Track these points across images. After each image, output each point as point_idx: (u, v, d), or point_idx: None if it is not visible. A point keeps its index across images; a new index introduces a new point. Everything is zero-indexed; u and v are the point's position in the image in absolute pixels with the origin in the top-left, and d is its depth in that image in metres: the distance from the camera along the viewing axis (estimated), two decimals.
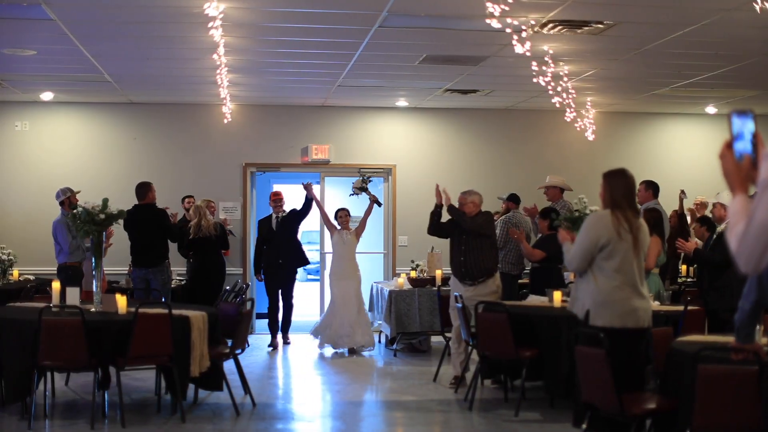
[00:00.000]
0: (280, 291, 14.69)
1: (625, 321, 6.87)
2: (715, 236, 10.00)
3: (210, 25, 9.26)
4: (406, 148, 16.66)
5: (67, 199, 13.23)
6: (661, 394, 6.81)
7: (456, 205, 10.93)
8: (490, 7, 8.10)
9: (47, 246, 14.14)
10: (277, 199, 14.71)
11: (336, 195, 16.78)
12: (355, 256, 14.24)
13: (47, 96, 15.28)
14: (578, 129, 15.24)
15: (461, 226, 10.73)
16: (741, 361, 5.61)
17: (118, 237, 12.90)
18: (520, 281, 13.26)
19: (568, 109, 13.59)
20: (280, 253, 14.52)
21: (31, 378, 8.87)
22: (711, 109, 16.67)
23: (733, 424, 5.81)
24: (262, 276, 14.71)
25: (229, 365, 9.97)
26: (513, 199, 13.96)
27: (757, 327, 5.53)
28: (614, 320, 6.86)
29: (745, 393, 5.69)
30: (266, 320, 14.68)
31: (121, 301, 9.31)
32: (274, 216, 14.68)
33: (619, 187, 7.08)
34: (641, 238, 7.03)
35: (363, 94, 15.21)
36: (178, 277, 14.10)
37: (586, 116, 15.10)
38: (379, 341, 14.68)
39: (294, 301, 14.91)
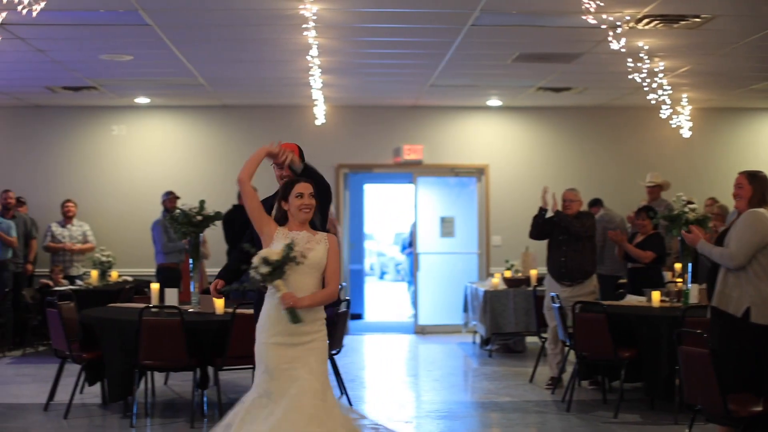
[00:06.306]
0: None
1: None
2: None
3: (304, 26, 9.32)
4: (499, 148, 16.55)
5: (163, 202, 13.59)
6: None
7: (560, 202, 10.84)
8: (586, 3, 8.01)
9: (145, 247, 14.45)
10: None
11: (429, 195, 16.72)
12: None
13: (143, 100, 15.53)
14: (674, 126, 14.99)
15: (568, 230, 10.63)
16: None
17: (216, 238, 13.08)
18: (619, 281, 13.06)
19: (663, 106, 13.37)
20: None
21: (132, 377, 9.04)
22: None
23: None
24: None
25: None
26: (597, 203, 13.83)
27: None
28: None
29: None
30: (360, 321, 14.10)
31: (219, 301, 9.39)
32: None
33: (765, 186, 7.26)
34: None
35: (455, 94, 15.14)
36: None
37: (681, 113, 14.85)
38: (474, 341, 14.62)
39: None
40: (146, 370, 9.43)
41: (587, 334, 9.60)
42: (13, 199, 14.27)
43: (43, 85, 13.82)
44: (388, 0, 9.30)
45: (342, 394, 10.04)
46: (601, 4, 8.12)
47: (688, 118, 14.97)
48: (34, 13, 8.00)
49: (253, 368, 6.25)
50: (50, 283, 13.58)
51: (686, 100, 14.95)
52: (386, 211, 28.11)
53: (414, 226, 16.79)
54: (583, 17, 8.51)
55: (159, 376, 10.83)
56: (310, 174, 6.74)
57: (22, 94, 14.83)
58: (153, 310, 9.15)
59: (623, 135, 16.61)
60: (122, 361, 9.08)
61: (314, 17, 9.13)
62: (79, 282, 13.70)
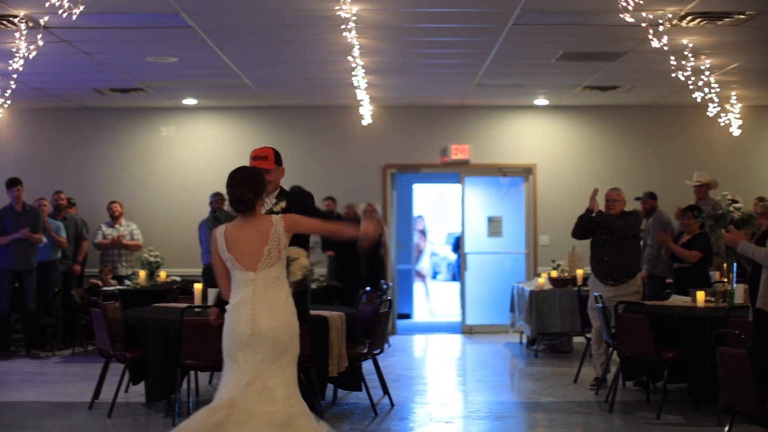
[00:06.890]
0: None
1: None
2: None
3: (343, 27, 9.34)
4: (546, 147, 16.48)
5: (211, 203, 13.73)
6: None
7: (603, 201, 10.75)
8: (623, 1, 7.95)
9: (193, 248, 14.57)
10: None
11: (476, 195, 16.68)
12: None
13: (190, 101, 15.67)
14: (722, 124, 14.82)
15: (611, 230, 10.53)
16: None
17: None
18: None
19: (710, 104, 13.23)
20: None
21: (175, 376, 9.11)
22: None
23: None
24: None
25: (367, 365, 10.03)
26: (654, 197, 13.69)
27: None
28: None
29: None
30: (408, 321, 14.05)
31: None
32: None
33: None
34: None
35: (501, 93, 15.11)
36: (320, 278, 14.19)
37: (730, 111, 14.68)
38: (521, 342, 14.57)
39: None
40: (188, 370, 9.49)
41: (630, 334, 9.51)
42: (64, 200, 14.49)
43: (91, 87, 14.01)
44: (428, 0, 9.31)
45: (384, 394, 10.05)
46: (641, 2, 8.05)
47: (738, 116, 14.79)
48: (74, 16, 8.10)
49: None
50: (99, 283, 13.76)
51: (735, 97, 14.78)
52: (438, 211, 28.07)
53: (462, 226, 16.75)
54: (621, 15, 8.43)
55: (203, 376, 10.92)
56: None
57: (71, 96, 15.04)
58: (195, 309, 9.22)
59: (671, 134, 16.46)
60: (165, 360, 9.17)
61: (354, 18, 9.15)
62: (127, 282, 13.86)
